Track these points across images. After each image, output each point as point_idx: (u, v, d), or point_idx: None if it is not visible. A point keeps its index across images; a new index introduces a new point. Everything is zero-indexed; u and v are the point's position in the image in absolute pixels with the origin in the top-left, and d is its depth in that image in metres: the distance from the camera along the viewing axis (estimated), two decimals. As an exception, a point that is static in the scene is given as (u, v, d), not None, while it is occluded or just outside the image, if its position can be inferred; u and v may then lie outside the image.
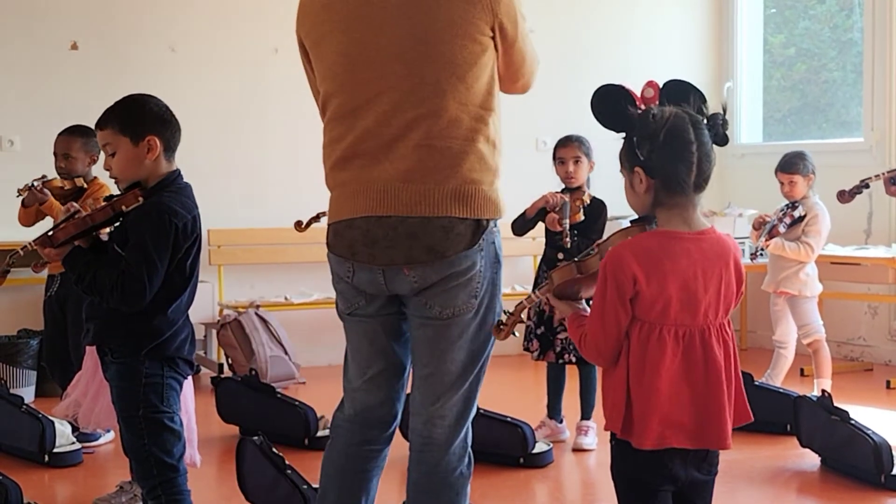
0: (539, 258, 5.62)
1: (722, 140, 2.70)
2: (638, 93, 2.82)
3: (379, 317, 2.96)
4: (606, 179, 5.49)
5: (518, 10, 2.91)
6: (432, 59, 2.79)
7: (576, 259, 2.82)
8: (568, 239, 5.04)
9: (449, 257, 2.80)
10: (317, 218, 4.89)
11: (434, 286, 2.83)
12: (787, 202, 5.95)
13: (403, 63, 2.80)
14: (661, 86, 2.81)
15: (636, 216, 2.79)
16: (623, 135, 2.75)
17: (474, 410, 2.99)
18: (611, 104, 2.78)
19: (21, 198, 5.40)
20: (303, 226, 5.45)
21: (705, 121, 2.67)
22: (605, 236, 2.94)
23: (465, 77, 2.81)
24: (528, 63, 3.00)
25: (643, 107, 2.76)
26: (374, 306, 2.94)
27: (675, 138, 2.63)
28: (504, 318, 2.91)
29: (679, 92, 2.75)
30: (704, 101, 2.72)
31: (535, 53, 3.02)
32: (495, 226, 2.90)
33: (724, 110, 2.71)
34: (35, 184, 5.34)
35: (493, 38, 2.86)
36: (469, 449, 2.98)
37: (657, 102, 2.76)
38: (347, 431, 3.05)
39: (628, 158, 2.70)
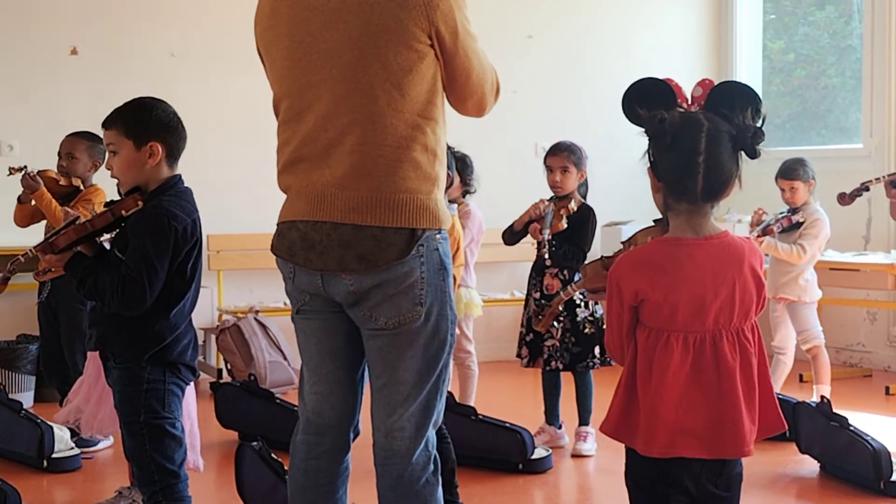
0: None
1: (751, 153, 2.63)
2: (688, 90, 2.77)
3: (327, 313, 2.95)
4: (607, 184, 5.54)
5: (461, 24, 2.85)
6: (366, 63, 2.78)
7: (603, 256, 2.84)
8: (546, 250, 5.03)
9: (381, 266, 2.79)
10: None
11: (373, 294, 2.82)
12: (788, 208, 5.95)
13: (339, 67, 2.80)
14: (713, 85, 2.73)
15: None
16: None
17: (436, 418, 2.94)
18: (632, 99, 2.75)
19: (11, 176, 5.41)
20: None
21: (734, 131, 2.61)
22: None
23: (399, 83, 2.79)
24: (475, 82, 2.92)
25: (685, 104, 2.72)
26: (320, 302, 2.94)
27: (681, 146, 2.59)
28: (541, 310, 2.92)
29: (726, 96, 2.68)
30: (755, 109, 2.64)
31: (485, 74, 2.95)
32: (438, 233, 2.87)
33: (763, 121, 2.64)
34: (29, 168, 5.37)
35: (433, 46, 2.82)
36: (434, 454, 2.95)
37: (702, 103, 2.71)
38: (303, 445, 3.03)
39: (645, 156, 2.68)
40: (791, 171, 5.89)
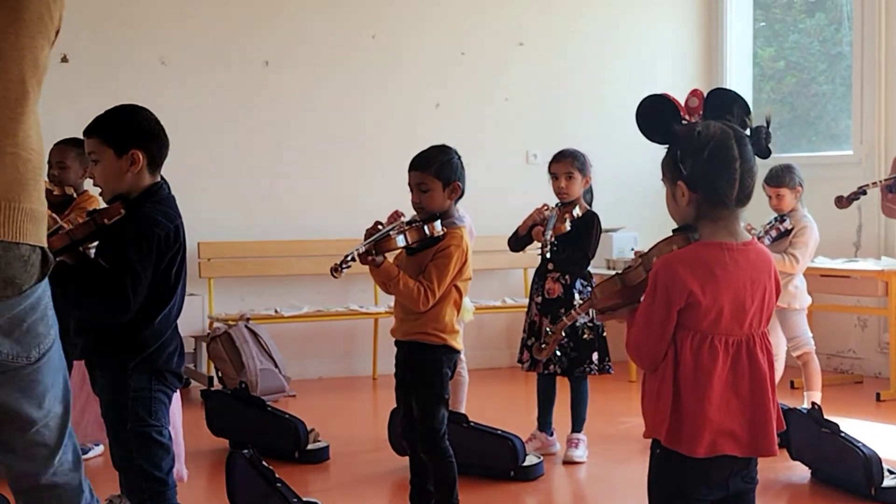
0: (529, 270, 5.62)
1: (765, 153, 2.73)
2: (682, 101, 2.83)
3: None
4: (598, 191, 5.54)
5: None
6: (21, 54, 2.43)
7: (618, 272, 2.82)
8: (546, 249, 5.05)
9: (25, 292, 2.42)
10: (346, 263, 4.21)
11: (6, 324, 2.41)
12: (775, 215, 5.96)
13: None
14: (705, 95, 2.83)
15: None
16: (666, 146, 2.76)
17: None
18: (656, 117, 2.81)
19: None
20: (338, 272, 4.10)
21: (748, 132, 2.70)
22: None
23: (41, 83, 2.48)
24: None
25: (687, 117, 2.78)
26: None
27: (719, 155, 2.65)
28: (545, 336, 2.92)
29: (723, 103, 2.78)
30: (748, 112, 2.73)
31: None
32: None
33: (768, 123, 2.73)
34: None
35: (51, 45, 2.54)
36: None
37: (701, 112, 2.77)
38: None
39: (671, 171, 2.71)
40: (777, 178, 5.89)
